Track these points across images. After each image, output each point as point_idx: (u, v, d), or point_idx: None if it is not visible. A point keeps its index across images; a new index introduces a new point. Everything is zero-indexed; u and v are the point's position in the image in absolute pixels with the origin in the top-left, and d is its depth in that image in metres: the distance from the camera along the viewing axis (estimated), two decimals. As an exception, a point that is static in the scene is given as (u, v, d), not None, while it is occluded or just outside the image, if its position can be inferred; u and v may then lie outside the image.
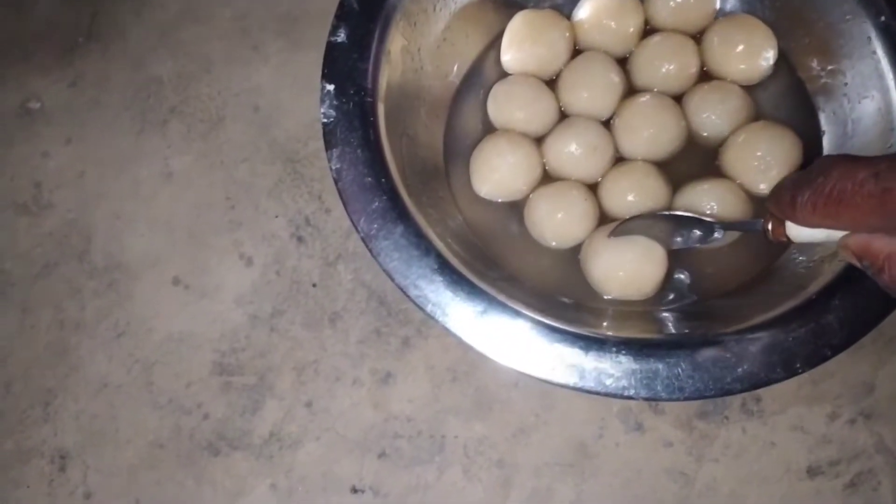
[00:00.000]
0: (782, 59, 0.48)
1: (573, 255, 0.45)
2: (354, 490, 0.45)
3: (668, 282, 0.44)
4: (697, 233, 0.41)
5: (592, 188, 0.46)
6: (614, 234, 0.42)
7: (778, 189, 0.32)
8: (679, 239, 0.42)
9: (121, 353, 0.48)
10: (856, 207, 0.28)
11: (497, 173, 0.45)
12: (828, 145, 0.46)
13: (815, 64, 0.47)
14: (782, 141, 0.44)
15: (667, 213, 0.43)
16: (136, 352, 0.48)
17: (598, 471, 0.44)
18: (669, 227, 0.42)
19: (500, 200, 0.46)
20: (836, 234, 0.31)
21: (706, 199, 0.43)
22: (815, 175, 0.29)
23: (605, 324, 0.41)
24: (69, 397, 0.48)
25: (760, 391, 0.45)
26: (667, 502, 0.44)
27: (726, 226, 0.41)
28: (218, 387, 0.47)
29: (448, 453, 0.45)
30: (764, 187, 0.44)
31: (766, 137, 0.44)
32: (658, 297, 0.44)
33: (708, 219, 0.41)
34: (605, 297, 0.44)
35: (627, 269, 0.42)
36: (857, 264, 0.31)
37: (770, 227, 0.35)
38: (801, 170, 0.35)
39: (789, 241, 0.34)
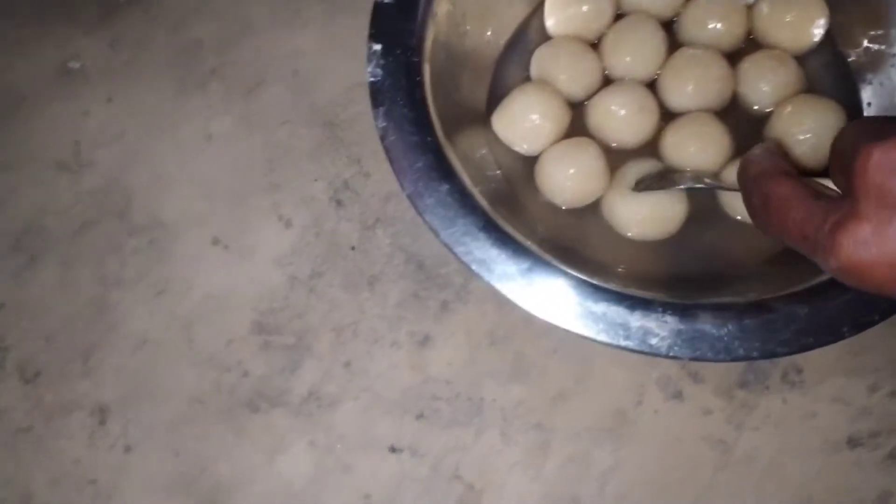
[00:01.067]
0: (827, 32, 0.47)
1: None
2: (393, 449, 0.45)
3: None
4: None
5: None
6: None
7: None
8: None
9: (161, 310, 0.49)
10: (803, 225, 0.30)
11: (528, 126, 0.45)
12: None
13: (862, 35, 0.47)
14: (828, 114, 0.44)
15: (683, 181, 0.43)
16: (175, 309, 0.49)
17: (636, 437, 0.44)
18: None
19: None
20: None
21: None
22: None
23: (650, 287, 0.41)
24: (109, 352, 0.48)
25: (802, 362, 0.45)
26: (705, 469, 0.44)
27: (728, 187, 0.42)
28: (257, 346, 0.48)
29: (486, 416, 0.45)
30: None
31: (813, 110, 0.44)
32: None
33: (710, 180, 0.42)
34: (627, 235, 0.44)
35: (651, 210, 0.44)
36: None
37: None
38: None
39: None
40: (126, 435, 0.47)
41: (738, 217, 0.44)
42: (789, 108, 0.44)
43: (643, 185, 0.43)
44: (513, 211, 0.43)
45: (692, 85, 0.45)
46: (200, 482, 0.46)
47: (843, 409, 0.44)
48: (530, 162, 0.46)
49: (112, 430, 0.47)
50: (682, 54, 0.46)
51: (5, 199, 0.52)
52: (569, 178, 0.44)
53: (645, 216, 0.43)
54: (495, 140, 0.47)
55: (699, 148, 0.44)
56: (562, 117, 0.46)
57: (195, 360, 0.48)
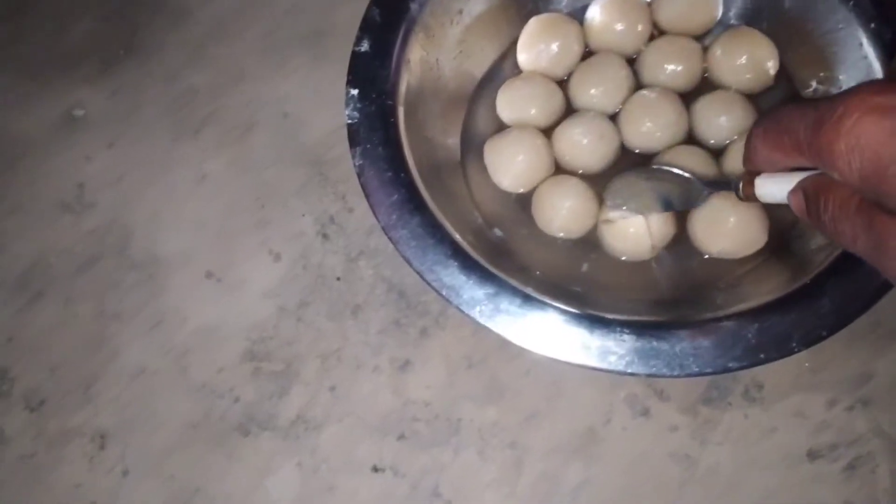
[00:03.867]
0: (781, 68, 0.50)
1: (579, 247, 0.48)
2: (375, 469, 0.48)
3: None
4: (682, 192, 0.44)
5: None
6: (608, 204, 0.46)
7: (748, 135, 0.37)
8: (665, 203, 0.45)
9: (157, 341, 0.52)
10: (795, 132, 0.32)
11: (518, 166, 0.48)
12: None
13: (811, 72, 0.49)
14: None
15: (654, 167, 0.46)
16: (171, 340, 0.52)
17: (606, 453, 0.47)
18: (655, 190, 0.45)
19: (520, 191, 0.49)
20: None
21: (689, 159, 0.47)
22: (772, 113, 0.34)
23: (610, 309, 0.43)
24: (108, 382, 0.51)
25: (762, 379, 0.47)
26: (672, 484, 0.46)
27: (706, 183, 0.44)
28: (248, 373, 0.50)
29: (463, 436, 0.48)
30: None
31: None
32: (660, 288, 0.46)
33: (688, 175, 0.44)
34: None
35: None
36: (803, 215, 0.34)
37: (741, 185, 0.38)
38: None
39: (757, 200, 0.38)
40: (124, 460, 0.49)
41: (706, 256, 0.47)
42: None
43: (610, 196, 0.46)
44: (483, 240, 0.46)
45: (648, 124, 0.48)
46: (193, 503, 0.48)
47: (802, 424, 0.46)
48: (505, 195, 0.49)
49: (111, 456, 0.50)
50: (638, 97, 0.49)
51: (13, 240, 0.55)
52: (566, 209, 0.47)
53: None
54: (470, 174, 0.50)
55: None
56: (551, 156, 0.49)
57: (189, 387, 0.50)
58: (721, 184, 0.44)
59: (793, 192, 0.35)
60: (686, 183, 0.44)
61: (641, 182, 0.45)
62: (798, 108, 0.32)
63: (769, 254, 0.46)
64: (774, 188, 0.36)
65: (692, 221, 0.46)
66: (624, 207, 0.45)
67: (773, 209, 0.44)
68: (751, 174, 0.38)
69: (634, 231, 0.46)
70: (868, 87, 0.29)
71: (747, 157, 0.37)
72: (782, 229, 0.46)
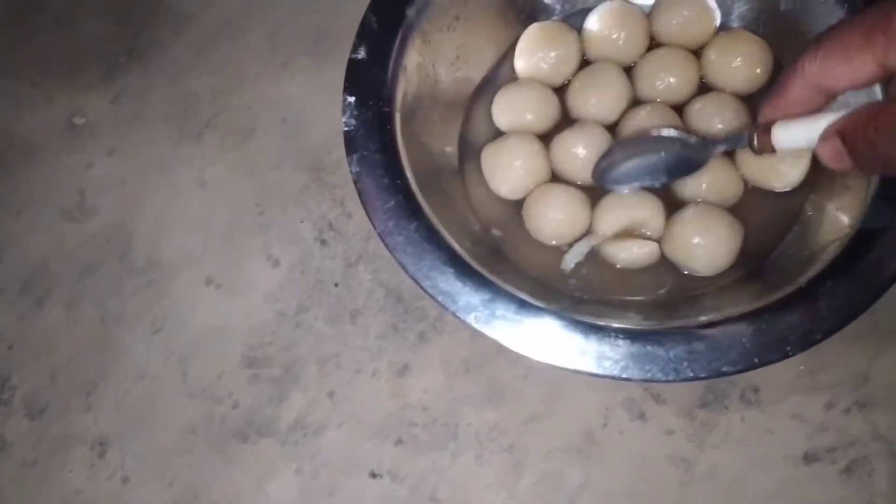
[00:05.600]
0: (777, 69, 0.50)
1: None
2: (373, 474, 0.48)
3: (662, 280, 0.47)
4: (684, 157, 0.42)
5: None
6: (596, 178, 0.46)
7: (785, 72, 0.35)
8: (667, 173, 0.44)
9: (158, 346, 0.52)
10: (851, 37, 0.31)
11: (515, 173, 0.48)
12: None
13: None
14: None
15: (653, 133, 0.44)
16: (171, 345, 0.52)
17: (604, 456, 0.47)
18: (654, 157, 0.44)
19: (517, 198, 0.49)
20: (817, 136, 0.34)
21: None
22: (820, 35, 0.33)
23: (606, 314, 0.43)
24: (109, 388, 0.52)
25: (759, 382, 0.47)
26: (670, 486, 0.46)
27: (712, 142, 0.43)
28: (247, 378, 0.51)
29: (462, 440, 0.48)
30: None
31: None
32: (655, 291, 0.46)
33: (692, 138, 0.43)
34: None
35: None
36: (837, 160, 0.32)
37: (756, 136, 0.36)
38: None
39: (773, 151, 0.36)
40: (123, 466, 0.50)
41: (684, 271, 0.47)
42: None
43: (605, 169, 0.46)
44: (480, 245, 0.46)
45: None
46: (194, 508, 0.49)
47: (800, 426, 0.46)
48: (501, 200, 0.50)
49: (111, 462, 0.50)
50: (635, 114, 0.49)
51: (14, 245, 0.56)
52: (555, 218, 0.47)
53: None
54: (468, 180, 0.50)
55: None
56: (545, 161, 0.49)
57: (189, 393, 0.51)
58: (727, 139, 0.43)
59: (825, 138, 0.33)
60: (687, 145, 0.43)
61: (636, 158, 0.44)
62: (852, 16, 0.31)
63: (747, 272, 0.46)
64: (799, 131, 0.34)
65: (664, 237, 0.47)
66: (622, 186, 0.45)
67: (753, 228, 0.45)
68: (766, 124, 0.36)
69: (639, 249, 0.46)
70: None
71: (778, 94, 0.35)
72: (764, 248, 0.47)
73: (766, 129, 0.36)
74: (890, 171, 0.33)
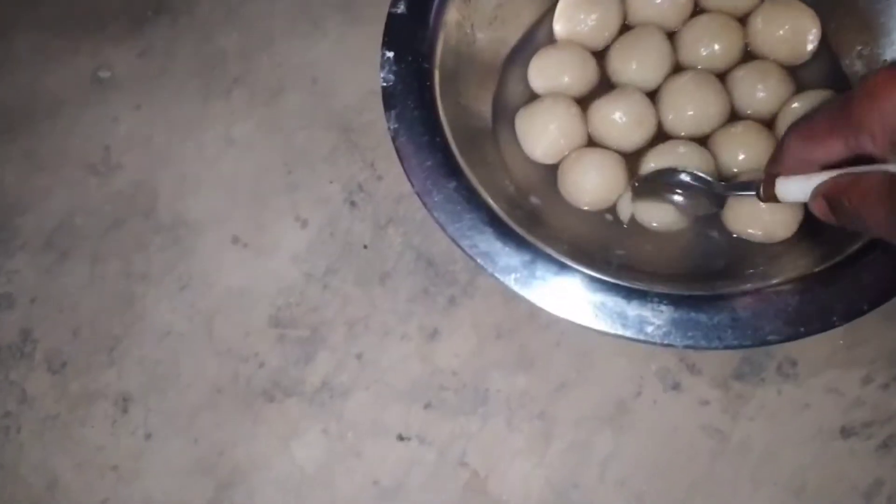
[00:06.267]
0: (822, 40, 0.49)
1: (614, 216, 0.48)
2: (401, 437, 0.47)
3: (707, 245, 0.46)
4: (701, 198, 0.44)
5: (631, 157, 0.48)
6: (637, 194, 0.46)
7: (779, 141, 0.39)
8: (691, 205, 0.45)
9: (183, 304, 0.51)
10: (828, 116, 0.35)
11: (549, 136, 0.47)
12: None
13: (855, 43, 0.48)
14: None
15: (672, 176, 0.45)
16: (197, 303, 0.51)
17: (636, 426, 0.46)
18: (673, 203, 0.45)
19: (550, 163, 0.48)
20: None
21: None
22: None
23: (647, 279, 0.43)
24: (133, 344, 0.51)
25: (796, 355, 0.46)
26: (702, 457, 0.45)
27: (728, 187, 0.43)
28: (274, 338, 0.50)
29: (491, 405, 0.47)
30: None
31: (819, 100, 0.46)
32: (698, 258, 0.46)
33: (709, 178, 0.44)
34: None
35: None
36: (827, 217, 0.35)
37: (762, 187, 0.39)
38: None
39: (777, 201, 0.38)
40: (147, 423, 0.49)
41: (735, 235, 0.46)
42: (796, 103, 0.46)
43: (642, 192, 0.46)
44: (516, 207, 0.45)
45: (690, 113, 0.47)
46: (219, 466, 0.48)
47: (836, 400, 0.45)
48: (536, 164, 0.49)
49: (134, 418, 0.49)
50: (677, 81, 0.48)
51: (39, 199, 0.55)
52: (591, 182, 0.47)
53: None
54: (502, 141, 0.49)
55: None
56: (584, 128, 0.48)
57: (215, 351, 0.50)
58: (741, 185, 0.43)
59: (813, 199, 0.36)
60: (704, 189, 0.44)
61: (659, 196, 0.45)
62: (829, 102, 0.35)
63: (801, 238, 0.45)
64: (795, 188, 0.37)
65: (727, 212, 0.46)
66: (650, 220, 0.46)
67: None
68: (771, 176, 0.38)
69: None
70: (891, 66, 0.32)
71: (777, 158, 0.38)
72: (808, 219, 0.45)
73: (771, 182, 0.38)
74: (870, 233, 0.37)
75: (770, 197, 0.38)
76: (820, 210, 0.35)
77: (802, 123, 0.37)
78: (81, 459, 0.49)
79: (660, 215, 0.46)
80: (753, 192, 0.40)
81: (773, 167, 0.39)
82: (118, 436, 0.50)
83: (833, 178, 0.34)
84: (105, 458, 0.49)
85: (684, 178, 0.44)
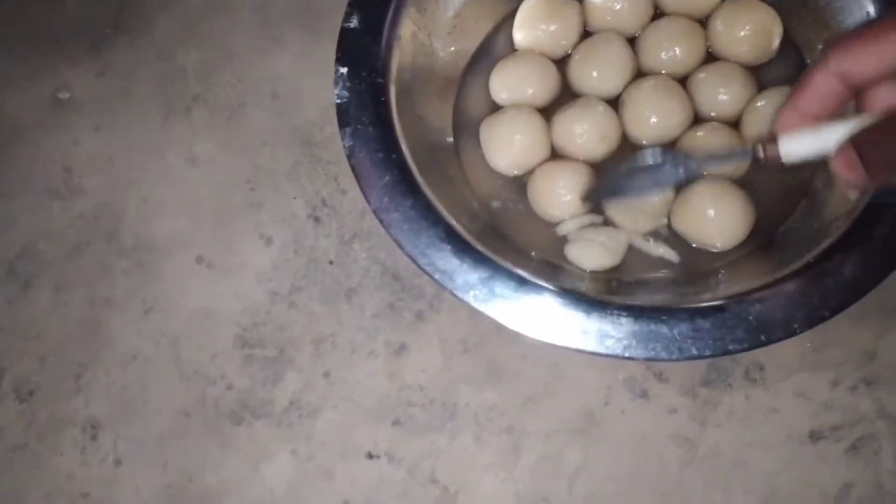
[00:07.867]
0: (786, 36, 0.48)
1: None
2: (370, 456, 0.47)
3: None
4: (673, 171, 0.40)
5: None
6: (589, 197, 0.45)
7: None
8: (656, 186, 0.43)
9: (149, 327, 0.51)
10: (880, 26, 0.31)
11: (514, 147, 0.47)
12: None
13: (818, 41, 0.48)
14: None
15: (641, 161, 0.41)
16: (163, 326, 0.51)
17: (605, 436, 0.46)
18: (647, 180, 0.41)
19: (514, 174, 0.48)
20: (828, 146, 0.33)
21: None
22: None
23: (607, 291, 0.42)
24: (100, 370, 0.50)
25: (764, 360, 0.46)
26: (672, 466, 0.45)
27: (714, 159, 0.42)
28: (240, 359, 0.50)
29: (460, 420, 0.47)
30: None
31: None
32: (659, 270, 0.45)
33: (692, 160, 0.41)
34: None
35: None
36: (852, 171, 0.32)
37: (762, 146, 0.35)
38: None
39: (782, 164, 0.35)
40: (116, 449, 0.49)
41: (694, 245, 0.46)
42: (760, 102, 0.46)
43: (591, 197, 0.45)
44: (476, 222, 0.45)
45: (653, 120, 0.47)
46: (188, 492, 0.48)
47: (805, 404, 0.45)
48: (499, 176, 0.48)
49: (103, 445, 0.49)
50: (639, 88, 0.47)
51: (1, 226, 0.54)
52: (559, 193, 0.46)
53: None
54: (463, 155, 0.49)
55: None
56: (548, 140, 0.48)
57: (181, 374, 0.50)
58: (728, 154, 0.41)
59: (841, 150, 0.32)
60: (679, 160, 0.40)
61: (625, 180, 0.42)
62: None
63: (755, 248, 0.45)
64: (809, 142, 0.33)
65: (674, 211, 0.46)
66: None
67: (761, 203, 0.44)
68: (771, 136, 0.35)
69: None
70: None
71: (797, 94, 0.34)
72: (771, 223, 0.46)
73: (773, 140, 0.35)
74: None
75: (772, 158, 0.34)
76: (846, 163, 0.32)
77: (853, 32, 0.32)
78: (52, 488, 0.49)
79: (591, 257, 0.46)
80: (739, 161, 0.37)
81: (787, 110, 0.35)
82: (88, 463, 0.49)
83: (870, 125, 0.31)
84: (75, 487, 0.49)
85: (649, 160, 0.41)
